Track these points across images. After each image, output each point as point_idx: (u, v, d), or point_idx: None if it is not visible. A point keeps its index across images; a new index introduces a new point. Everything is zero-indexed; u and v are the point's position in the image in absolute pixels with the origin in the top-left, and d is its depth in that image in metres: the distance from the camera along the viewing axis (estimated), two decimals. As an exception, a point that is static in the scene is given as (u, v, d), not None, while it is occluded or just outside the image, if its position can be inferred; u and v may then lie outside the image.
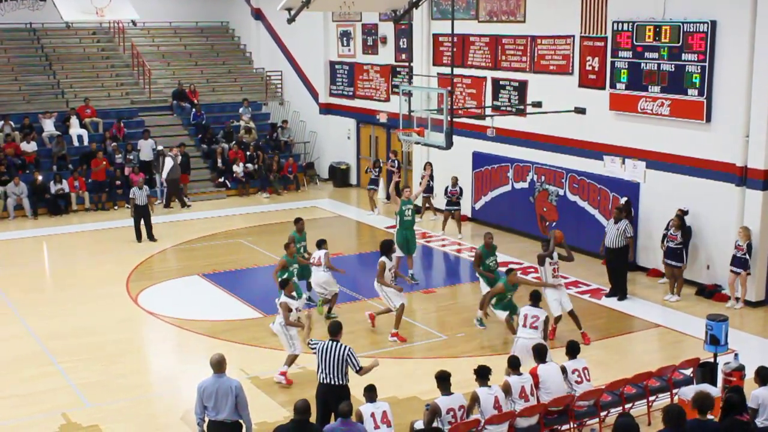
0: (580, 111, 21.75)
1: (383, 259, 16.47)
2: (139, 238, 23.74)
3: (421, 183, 22.64)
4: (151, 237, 23.81)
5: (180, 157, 28.28)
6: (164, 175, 27.97)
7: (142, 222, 23.76)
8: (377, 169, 27.20)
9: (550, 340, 15.73)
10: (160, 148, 29.12)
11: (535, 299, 14.43)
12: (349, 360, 11.77)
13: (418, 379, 14.31)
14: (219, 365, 10.78)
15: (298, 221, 18.41)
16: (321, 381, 11.83)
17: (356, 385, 11.74)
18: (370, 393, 10.98)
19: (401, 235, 19.73)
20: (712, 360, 13.44)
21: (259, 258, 22.09)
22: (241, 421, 10.77)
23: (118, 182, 28.07)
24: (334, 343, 11.84)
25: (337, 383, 11.73)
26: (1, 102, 30.27)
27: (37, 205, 26.91)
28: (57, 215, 26.83)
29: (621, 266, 18.76)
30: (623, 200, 20.30)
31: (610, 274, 18.98)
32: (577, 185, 22.02)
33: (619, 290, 18.73)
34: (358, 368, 11.86)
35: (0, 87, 31.05)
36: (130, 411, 13.66)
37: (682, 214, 18.79)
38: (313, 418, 11.04)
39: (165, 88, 33.13)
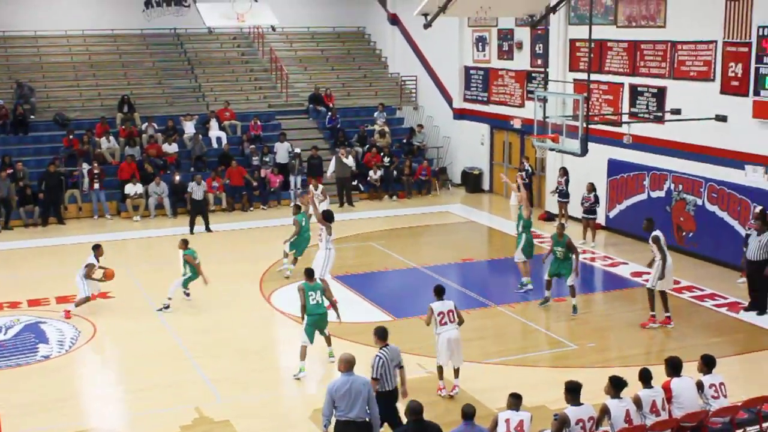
0: (721, 119, 21.08)
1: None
2: (191, 230, 25.09)
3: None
4: (207, 229, 25.47)
5: (350, 158, 29.03)
6: (329, 173, 28.82)
7: (200, 216, 25.48)
8: (523, 171, 26.72)
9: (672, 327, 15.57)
10: (297, 150, 29.64)
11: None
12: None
13: (547, 389, 14.10)
14: (351, 364, 10.95)
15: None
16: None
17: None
18: (516, 400, 10.98)
19: (524, 239, 19.31)
20: None
21: (390, 261, 22.23)
22: (368, 419, 10.88)
23: (255, 184, 28.67)
24: None
25: None
26: (146, 104, 31.39)
27: (176, 205, 27.74)
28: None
29: (762, 280, 18.09)
30: (758, 209, 19.51)
31: (750, 288, 18.35)
32: (716, 195, 21.36)
33: (759, 304, 18.08)
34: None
35: (145, 90, 32.23)
36: (260, 408, 13.93)
37: None
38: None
39: (301, 92, 33.69)
